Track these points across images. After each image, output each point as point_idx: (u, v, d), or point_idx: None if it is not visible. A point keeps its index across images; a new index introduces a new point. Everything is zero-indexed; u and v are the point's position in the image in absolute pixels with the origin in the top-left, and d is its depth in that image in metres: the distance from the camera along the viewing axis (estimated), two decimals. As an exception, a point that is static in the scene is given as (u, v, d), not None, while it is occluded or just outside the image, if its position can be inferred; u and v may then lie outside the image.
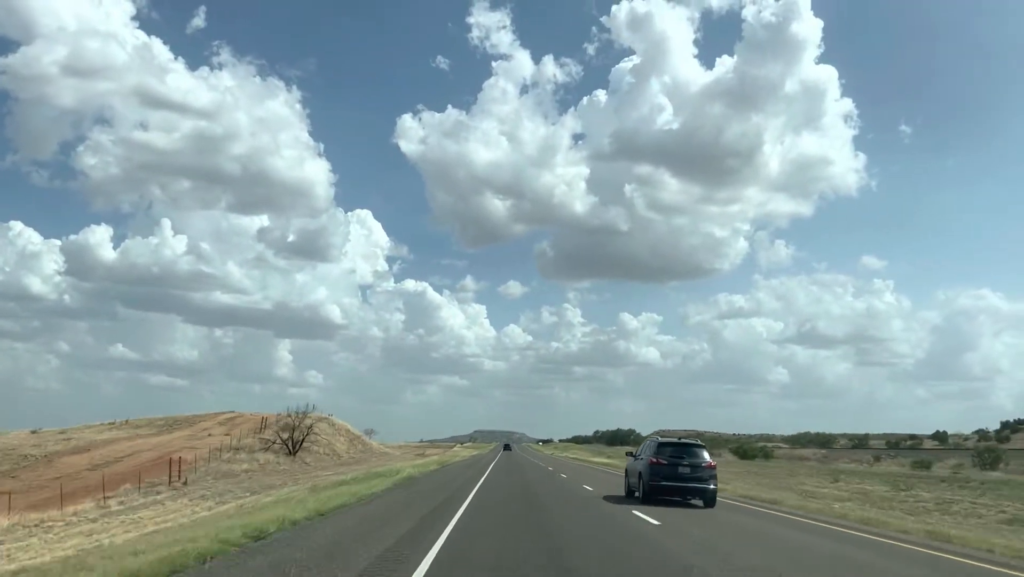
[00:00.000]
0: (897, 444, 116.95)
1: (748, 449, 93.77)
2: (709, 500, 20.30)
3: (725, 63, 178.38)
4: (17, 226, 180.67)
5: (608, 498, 22.07)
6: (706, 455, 21.06)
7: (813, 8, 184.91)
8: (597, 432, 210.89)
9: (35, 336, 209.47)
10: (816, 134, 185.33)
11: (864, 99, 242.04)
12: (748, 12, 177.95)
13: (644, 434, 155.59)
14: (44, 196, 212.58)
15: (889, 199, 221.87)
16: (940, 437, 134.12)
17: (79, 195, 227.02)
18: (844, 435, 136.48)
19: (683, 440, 22.75)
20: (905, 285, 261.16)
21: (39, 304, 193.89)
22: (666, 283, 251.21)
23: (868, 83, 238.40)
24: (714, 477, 20.66)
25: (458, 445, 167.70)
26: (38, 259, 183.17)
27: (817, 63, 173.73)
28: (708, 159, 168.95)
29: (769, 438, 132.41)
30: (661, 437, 23.34)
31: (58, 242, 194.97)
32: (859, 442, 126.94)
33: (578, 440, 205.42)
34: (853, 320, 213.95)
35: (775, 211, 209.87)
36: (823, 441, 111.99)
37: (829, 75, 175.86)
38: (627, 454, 26.12)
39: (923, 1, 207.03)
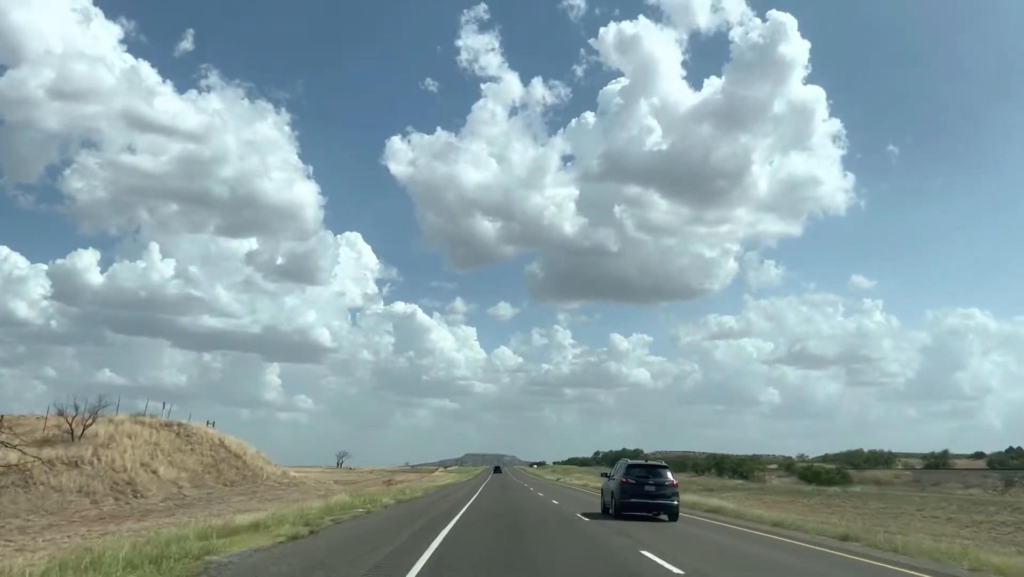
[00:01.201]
0: (937, 464, 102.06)
1: (818, 472, 75.19)
2: (673, 515, 23.21)
3: (713, 84, 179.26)
4: (3, 251, 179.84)
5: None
6: (669, 475, 23.94)
7: (800, 29, 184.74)
8: (598, 453, 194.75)
9: (20, 362, 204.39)
10: (805, 154, 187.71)
11: (852, 119, 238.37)
12: (735, 33, 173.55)
13: (645, 452, 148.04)
14: (30, 220, 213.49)
15: (878, 218, 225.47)
16: (939, 457, 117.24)
17: (66, 219, 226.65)
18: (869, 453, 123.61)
19: (649, 462, 26.32)
20: (894, 304, 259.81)
21: (25, 329, 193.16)
22: (656, 304, 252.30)
23: (856, 103, 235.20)
24: (676, 494, 23.75)
25: (440, 470, 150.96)
26: (24, 284, 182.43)
27: (805, 84, 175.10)
28: (697, 180, 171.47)
29: (771, 460, 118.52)
30: (630, 460, 26.31)
31: (44, 266, 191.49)
32: (885, 461, 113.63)
33: (576, 462, 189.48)
34: (843, 340, 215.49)
35: (764, 231, 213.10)
36: (879, 460, 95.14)
37: (817, 95, 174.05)
38: (602, 475, 31.28)
39: (909, 23, 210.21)
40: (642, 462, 25.93)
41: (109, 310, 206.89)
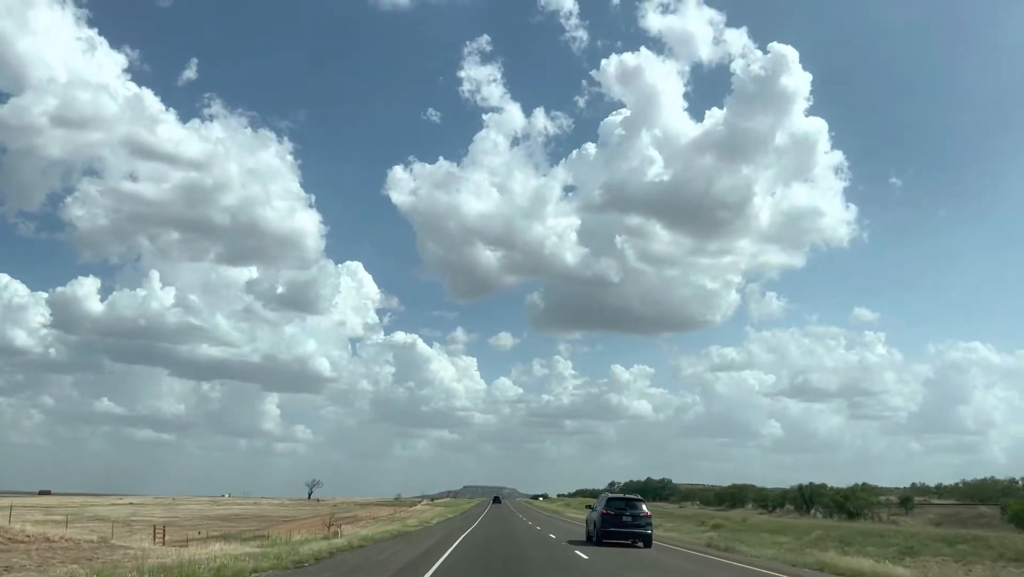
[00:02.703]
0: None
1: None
2: (647, 542, 27.03)
3: (715, 115, 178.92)
4: (3, 278, 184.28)
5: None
6: (644, 507, 27.85)
7: (802, 62, 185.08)
8: (613, 484, 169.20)
9: (19, 390, 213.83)
10: (807, 186, 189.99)
11: (854, 151, 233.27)
12: (737, 65, 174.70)
13: (676, 483, 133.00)
14: (31, 248, 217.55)
15: (881, 250, 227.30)
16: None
17: (67, 247, 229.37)
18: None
19: (627, 496, 29.43)
20: (897, 337, 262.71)
21: (24, 357, 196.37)
22: (658, 335, 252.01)
23: (858, 135, 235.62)
24: (650, 524, 27.84)
25: (425, 502, 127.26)
26: (24, 312, 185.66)
27: (807, 115, 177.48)
28: (699, 211, 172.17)
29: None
30: (610, 494, 30.38)
31: (44, 294, 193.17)
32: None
33: (587, 493, 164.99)
34: (846, 373, 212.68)
35: (767, 263, 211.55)
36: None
37: (819, 127, 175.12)
38: (587, 507, 34.44)
39: (910, 55, 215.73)
40: (621, 496, 29.32)
41: (109, 338, 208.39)
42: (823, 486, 65.03)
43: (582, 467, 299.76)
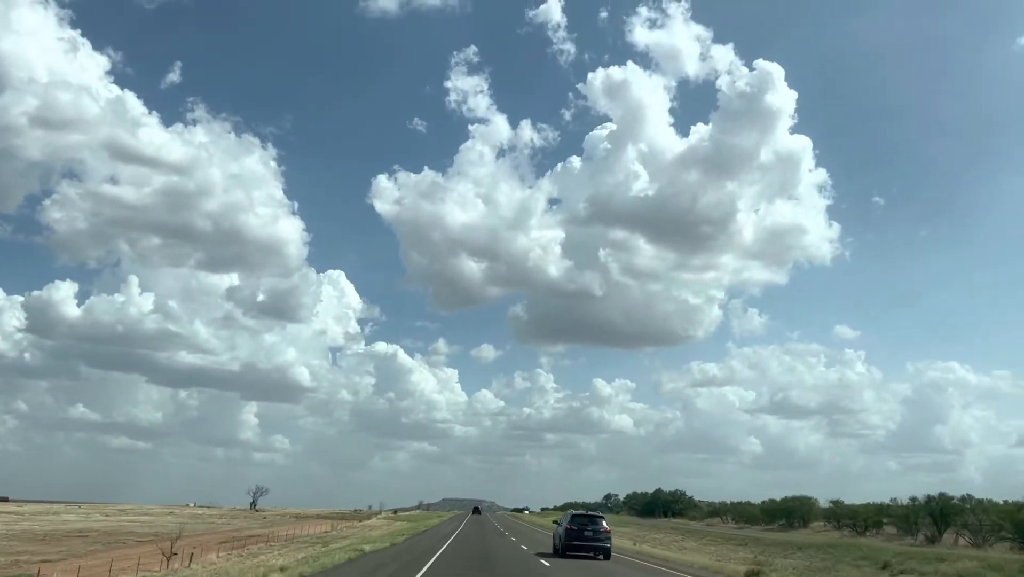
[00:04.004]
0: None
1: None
2: (606, 555, 29.94)
3: (700, 131, 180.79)
4: None
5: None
6: (604, 523, 30.69)
7: (787, 80, 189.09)
8: (611, 497, 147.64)
9: None
10: (791, 203, 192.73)
11: (838, 169, 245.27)
12: (723, 82, 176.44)
13: (690, 495, 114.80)
14: (7, 250, 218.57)
15: (862, 269, 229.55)
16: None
17: (44, 250, 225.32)
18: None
19: (589, 513, 33.45)
20: (876, 356, 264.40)
21: None
22: (640, 349, 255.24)
23: (842, 154, 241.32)
24: (609, 538, 30.50)
25: (383, 514, 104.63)
26: None
27: (792, 133, 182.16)
28: (683, 226, 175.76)
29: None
30: (574, 511, 33.94)
31: (20, 298, 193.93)
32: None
33: (576, 507, 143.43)
34: (826, 390, 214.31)
35: (749, 279, 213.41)
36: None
37: (803, 145, 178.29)
38: (554, 522, 39.71)
39: (894, 78, 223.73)
40: (583, 513, 32.56)
41: (85, 344, 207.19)
42: (965, 499, 43.17)
43: (562, 481, 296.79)
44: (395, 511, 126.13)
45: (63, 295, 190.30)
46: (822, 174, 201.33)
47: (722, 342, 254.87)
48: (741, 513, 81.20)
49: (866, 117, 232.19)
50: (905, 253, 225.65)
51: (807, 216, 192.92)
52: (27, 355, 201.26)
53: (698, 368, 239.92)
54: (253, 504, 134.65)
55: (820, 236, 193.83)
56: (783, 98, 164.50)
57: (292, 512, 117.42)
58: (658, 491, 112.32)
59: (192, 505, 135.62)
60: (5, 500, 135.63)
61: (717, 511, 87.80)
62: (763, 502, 68.09)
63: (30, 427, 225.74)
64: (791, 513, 64.10)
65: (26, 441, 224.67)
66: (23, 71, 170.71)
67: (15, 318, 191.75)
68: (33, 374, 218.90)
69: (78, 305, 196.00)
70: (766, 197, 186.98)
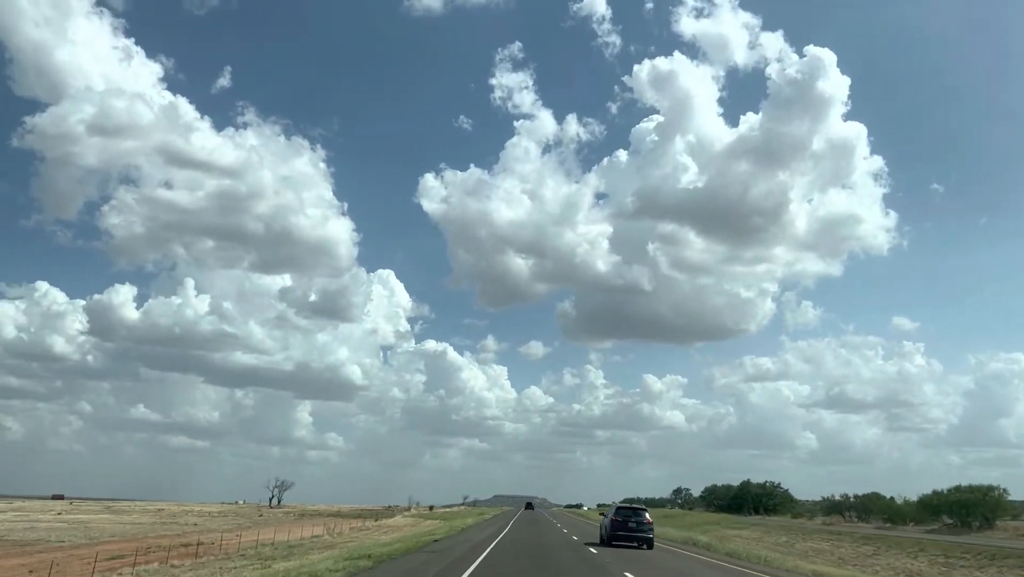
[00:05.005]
0: None
1: None
2: (649, 545, 30.86)
3: (750, 121, 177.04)
4: (43, 286, 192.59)
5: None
6: (647, 515, 32.01)
7: (839, 66, 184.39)
8: (682, 491, 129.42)
9: (57, 397, 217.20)
10: (845, 192, 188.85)
11: (895, 156, 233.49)
12: (772, 70, 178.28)
13: (785, 487, 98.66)
14: (69, 256, 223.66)
15: (921, 258, 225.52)
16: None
17: (103, 255, 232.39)
18: None
19: (633, 505, 35.83)
20: (937, 348, 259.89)
21: (62, 364, 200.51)
22: (691, 344, 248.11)
23: (899, 140, 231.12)
24: (652, 529, 31.65)
25: (413, 509, 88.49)
26: (62, 319, 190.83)
27: (845, 120, 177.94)
28: (733, 218, 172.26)
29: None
30: (619, 504, 36.44)
31: (82, 302, 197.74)
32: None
33: (652, 504, 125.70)
34: (883, 384, 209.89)
35: (803, 271, 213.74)
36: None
37: (858, 132, 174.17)
38: (601, 514, 43.87)
39: (953, 59, 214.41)
40: (628, 506, 34.73)
41: (144, 346, 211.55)
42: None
43: (613, 478, 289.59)
44: (430, 507, 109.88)
45: (122, 298, 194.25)
46: (878, 162, 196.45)
47: (775, 336, 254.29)
48: (867, 508, 63.35)
49: (924, 102, 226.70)
50: (965, 241, 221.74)
51: (862, 205, 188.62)
52: (90, 357, 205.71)
53: (751, 363, 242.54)
54: (273, 499, 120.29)
55: (876, 225, 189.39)
56: (835, 84, 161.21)
57: (312, 508, 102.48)
58: (746, 484, 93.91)
59: (241, 502, 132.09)
60: (61, 497, 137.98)
61: (835, 507, 69.41)
62: (934, 493, 49.75)
63: (93, 427, 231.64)
64: (967, 509, 45.87)
65: (90, 441, 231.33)
66: (80, 80, 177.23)
67: (78, 321, 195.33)
68: (96, 376, 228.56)
69: (137, 308, 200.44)
70: (819, 186, 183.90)
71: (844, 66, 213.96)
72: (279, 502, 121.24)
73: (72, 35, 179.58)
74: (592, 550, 28.34)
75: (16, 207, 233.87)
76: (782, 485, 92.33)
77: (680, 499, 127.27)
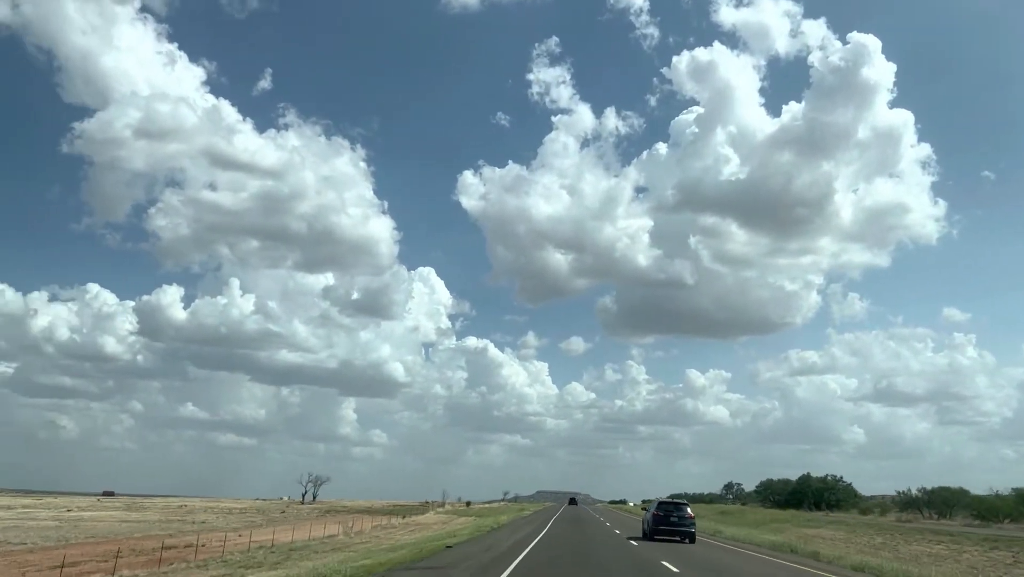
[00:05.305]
0: None
1: None
2: (691, 539, 31.09)
3: (793, 110, 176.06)
4: (94, 288, 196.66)
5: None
6: (688, 510, 32.51)
7: (884, 52, 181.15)
8: (733, 486, 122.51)
9: (109, 396, 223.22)
10: (892, 181, 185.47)
11: (943, 144, 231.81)
12: (815, 58, 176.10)
13: (847, 480, 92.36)
14: (118, 258, 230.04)
15: (971, 248, 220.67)
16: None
17: (151, 256, 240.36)
18: None
19: (674, 500, 36.53)
20: (989, 339, 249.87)
21: (113, 364, 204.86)
22: (735, 339, 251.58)
23: (947, 127, 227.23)
24: (693, 524, 31.99)
25: (446, 506, 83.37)
26: (112, 320, 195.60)
27: (891, 107, 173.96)
28: (777, 209, 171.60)
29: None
30: (661, 499, 36.30)
31: (132, 303, 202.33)
32: None
33: (701, 499, 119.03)
34: (934, 376, 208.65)
35: (849, 262, 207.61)
36: None
37: (904, 120, 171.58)
38: (642, 509, 43.81)
39: (1002, 42, 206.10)
40: (670, 501, 35.33)
41: (192, 345, 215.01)
42: None
43: (656, 474, 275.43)
44: (467, 503, 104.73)
45: (170, 299, 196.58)
46: (925, 149, 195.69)
47: (821, 329, 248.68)
48: (946, 503, 56.95)
49: (973, 87, 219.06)
50: (1017, 229, 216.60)
51: (910, 194, 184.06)
52: (139, 357, 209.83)
53: (796, 356, 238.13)
54: (306, 495, 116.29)
55: (925, 214, 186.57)
56: (880, 71, 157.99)
57: (344, 504, 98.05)
58: (805, 478, 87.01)
59: (286, 498, 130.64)
60: (111, 494, 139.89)
61: (910, 502, 62.60)
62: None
63: (144, 425, 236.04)
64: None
65: (141, 439, 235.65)
66: (125, 85, 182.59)
67: (128, 322, 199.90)
68: (146, 375, 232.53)
69: (184, 308, 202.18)
70: (865, 176, 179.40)
71: (890, 52, 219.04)
72: (314, 498, 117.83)
73: (117, 42, 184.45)
74: (633, 543, 29.15)
75: (67, 211, 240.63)
76: (844, 479, 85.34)
77: (731, 494, 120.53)
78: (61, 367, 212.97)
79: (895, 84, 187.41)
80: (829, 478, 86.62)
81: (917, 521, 53.80)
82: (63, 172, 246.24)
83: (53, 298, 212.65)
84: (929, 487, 63.92)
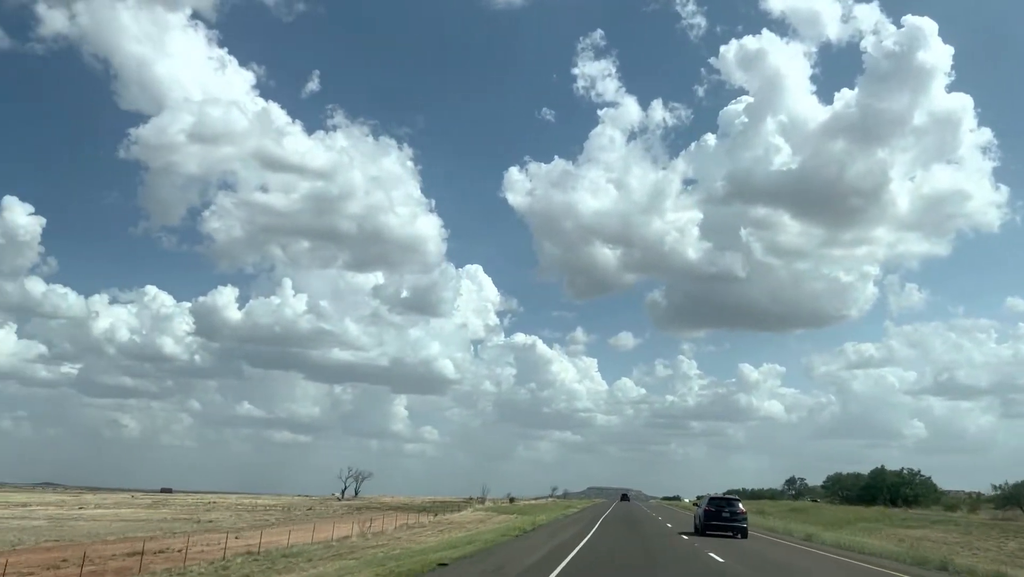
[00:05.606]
0: None
1: None
2: (743, 534, 32.15)
3: (845, 97, 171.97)
4: (152, 290, 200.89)
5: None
6: (740, 505, 33.49)
7: (941, 35, 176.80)
8: (796, 481, 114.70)
9: (168, 395, 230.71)
10: (951, 167, 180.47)
11: (1004, 128, 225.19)
12: (868, 43, 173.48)
13: (926, 475, 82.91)
14: (174, 260, 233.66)
15: None
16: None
17: (206, 258, 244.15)
18: None
19: (726, 496, 36.49)
20: None
21: (172, 364, 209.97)
22: (789, 332, 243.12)
23: (1008, 111, 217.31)
24: (745, 519, 33.04)
25: (486, 503, 77.79)
26: (170, 321, 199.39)
27: (948, 92, 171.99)
28: (830, 199, 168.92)
29: None
30: (711, 495, 36.14)
31: (188, 304, 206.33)
32: None
33: (761, 495, 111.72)
34: (997, 368, 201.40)
35: (907, 252, 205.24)
36: None
37: (963, 104, 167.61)
38: (694, 505, 45.99)
39: None
40: (721, 496, 35.55)
41: (247, 345, 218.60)
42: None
43: (710, 469, 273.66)
44: (511, 499, 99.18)
45: (225, 300, 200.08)
46: (986, 134, 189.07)
47: (879, 321, 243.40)
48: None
49: None
50: None
51: (970, 180, 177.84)
52: (197, 357, 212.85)
53: (853, 349, 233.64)
54: (345, 491, 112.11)
55: (986, 201, 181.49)
56: (937, 55, 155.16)
57: (382, 500, 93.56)
58: (879, 472, 79.73)
59: (336, 494, 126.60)
60: (169, 491, 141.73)
61: (1009, 498, 55.43)
62: None
63: (202, 424, 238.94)
64: None
65: (200, 437, 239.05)
66: (178, 91, 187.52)
67: (185, 323, 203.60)
68: (203, 375, 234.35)
69: (239, 308, 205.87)
70: (922, 163, 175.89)
71: (946, 35, 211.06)
72: (355, 493, 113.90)
73: (170, 48, 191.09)
74: (684, 537, 30.45)
75: (125, 216, 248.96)
76: (921, 472, 77.92)
77: (794, 489, 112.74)
78: (122, 368, 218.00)
79: (952, 68, 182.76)
80: (905, 472, 79.19)
81: (1019, 519, 46.91)
82: (120, 178, 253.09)
83: (113, 301, 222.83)
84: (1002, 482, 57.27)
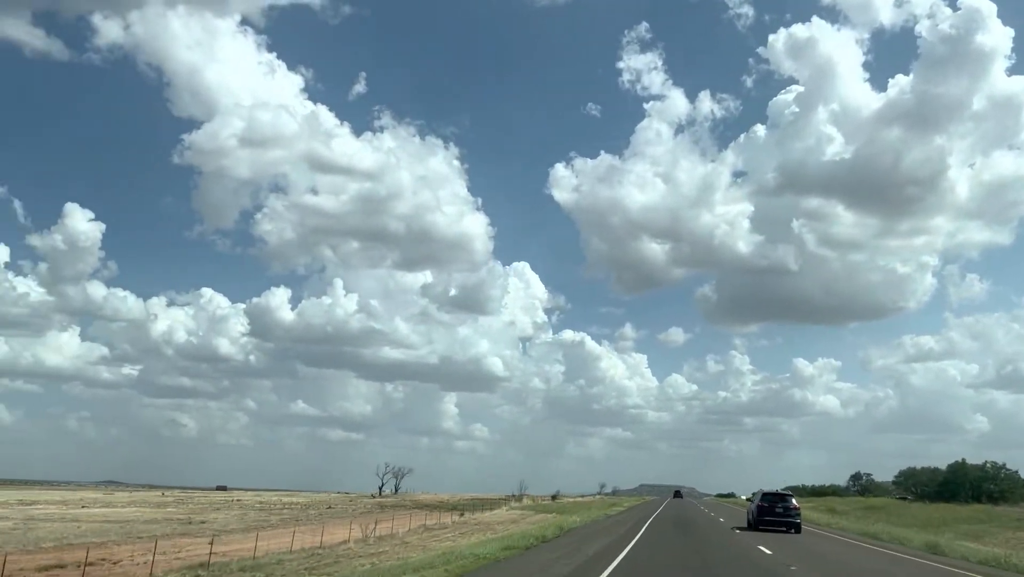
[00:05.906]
0: None
1: None
2: (797, 529, 32.76)
3: (900, 84, 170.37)
4: (207, 292, 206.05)
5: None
6: (793, 501, 34.17)
7: (1000, 16, 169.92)
8: (861, 477, 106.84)
9: (226, 395, 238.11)
10: (1012, 153, 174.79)
11: None
12: (923, 27, 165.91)
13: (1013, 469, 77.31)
14: (228, 263, 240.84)
15: None
16: None
17: (259, 260, 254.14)
18: None
19: (779, 492, 36.52)
20: None
21: (228, 365, 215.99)
22: (843, 325, 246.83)
23: None
24: (799, 514, 33.59)
25: (523, 501, 72.17)
26: (226, 322, 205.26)
27: (1009, 75, 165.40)
28: (886, 188, 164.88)
29: None
30: (764, 490, 36.68)
31: (243, 305, 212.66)
32: None
33: (826, 491, 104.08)
34: None
35: (967, 241, 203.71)
36: None
37: None
38: (747, 500, 45.56)
39: None
40: (774, 492, 36.02)
41: (300, 345, 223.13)
42: None
43: (764, 466, 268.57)
44: (553, 496, 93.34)
45: (278, 301, 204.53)
46: None
47: (938, 312, 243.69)
48: None
49: None
50: None
51: None
52: (252, 357, 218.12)
53: (911, 342, 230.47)
54: (382, 487, 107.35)
55: None
56: (997, 37, 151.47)
57: (416, 498, 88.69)
58: (959, 466, 72.39)
59: (375, 492, 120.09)
60: (224, 489, 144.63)
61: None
62: None
63: (258, 422, 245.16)
64: None
65: (255, 435, 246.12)
66: (229, 96, 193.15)
67: (239, 324, 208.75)
68: (258, 374, 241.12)
69: (292, 309, 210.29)
70: (982, 149, 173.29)
71: (1006, 16, 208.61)
72: (395, 490, 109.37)
73: (220, 55, 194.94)
74: (736, 531, 32.34)
75: (180, 220, 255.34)
76: (1007, 465, 70.53)
77: (859, 486, 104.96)
78: (180, 368, 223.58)
79: (1013, 50, 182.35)
80: (988, 465, 71.87)
81: None
82: (175, 183, 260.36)
83: (171, 303, 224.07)
84: None
